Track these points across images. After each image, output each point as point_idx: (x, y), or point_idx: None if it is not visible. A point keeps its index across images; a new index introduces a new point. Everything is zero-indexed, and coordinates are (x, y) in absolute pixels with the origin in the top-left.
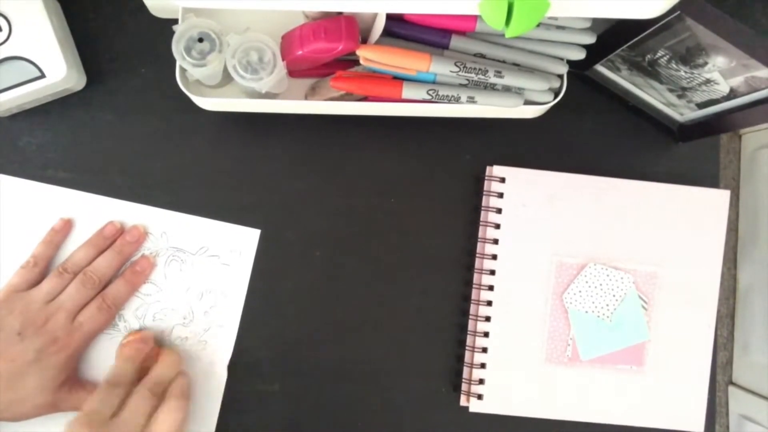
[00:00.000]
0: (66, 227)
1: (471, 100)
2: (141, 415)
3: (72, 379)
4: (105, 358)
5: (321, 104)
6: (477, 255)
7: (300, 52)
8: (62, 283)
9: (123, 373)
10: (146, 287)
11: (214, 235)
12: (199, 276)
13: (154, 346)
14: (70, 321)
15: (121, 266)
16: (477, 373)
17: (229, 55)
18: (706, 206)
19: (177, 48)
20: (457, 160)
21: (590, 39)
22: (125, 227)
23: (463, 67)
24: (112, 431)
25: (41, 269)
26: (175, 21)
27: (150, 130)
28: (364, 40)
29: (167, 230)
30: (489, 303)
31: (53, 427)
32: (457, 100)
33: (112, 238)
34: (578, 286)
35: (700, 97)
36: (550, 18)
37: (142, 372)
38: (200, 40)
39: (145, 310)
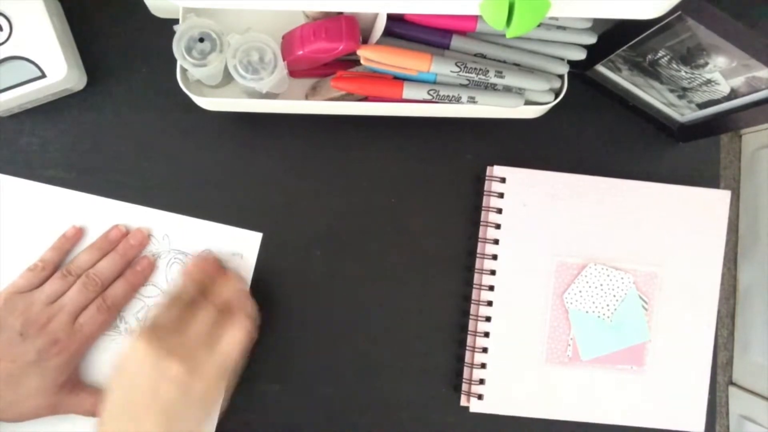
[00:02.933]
0: (77, 235)
1: (472, 100)
2: (204, 332)
3: (73, 381)
4: (106, 360)
5: (321, 104)
6: (477, 255)
7: (300, 52)
8: (65, 285)
9: (185, 289)
10: (148, 289)
11: (216, 238)
12: None
13: (219, 268)
14: (71, 323)
15: (123, 269)
16: (477, 373)
17: (229, 55)
18: (706, 206)
19: (178, 48)
20: (457, 160)
21: (591, 39)
22: (130, 231)
23: (464, 67)
24: (174, 346)
25: (48, 274)
26: (176, 21)
27: (150, 130)
28: (365, 40)
29: (169, 233)
30: (489, 303)
31: (54, 428)
32: (457, 100)
33: (117, 242)
34: (578, 286)
35: (700, 97)
36: (550, 18)
37: (205, 293)
38: (201, 39)
39: (147, 312)
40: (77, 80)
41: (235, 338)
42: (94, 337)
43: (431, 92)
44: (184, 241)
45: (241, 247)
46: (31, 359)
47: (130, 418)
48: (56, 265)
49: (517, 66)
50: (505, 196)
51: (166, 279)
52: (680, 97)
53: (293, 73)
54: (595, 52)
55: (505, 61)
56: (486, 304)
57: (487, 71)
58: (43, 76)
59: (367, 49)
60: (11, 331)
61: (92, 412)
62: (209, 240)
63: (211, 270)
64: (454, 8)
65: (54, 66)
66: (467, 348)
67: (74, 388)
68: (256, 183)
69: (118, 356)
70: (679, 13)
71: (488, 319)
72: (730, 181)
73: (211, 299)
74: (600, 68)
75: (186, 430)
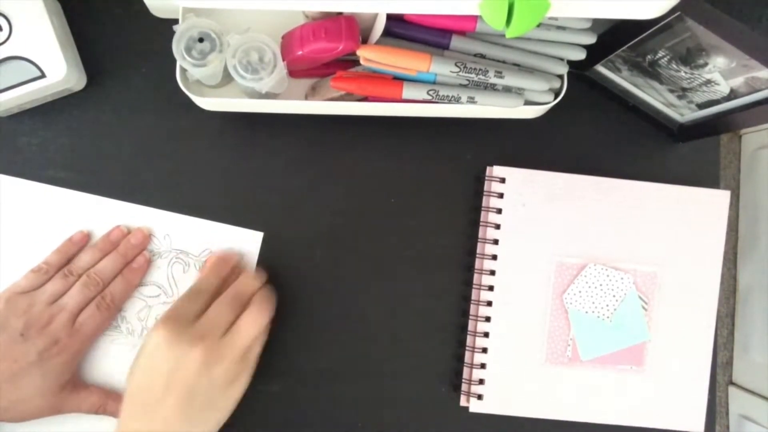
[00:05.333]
0: (83, 240)
1: (471, 100)
2: (223, 319)
3: (74, 381)
4: (107, 361)
5: (321, 104)
6: (477, 255)
7: (300, 52)
8: (66, 285)
9: (206, 282)
10: (150, 289)
11: (217, 238)
12: None
13: (239, 266)
14: (71, 322)
15: (124, 268)
16: (477, 374)
17: (229, 55)
18: (706, 206)
19: (177, 48)
20: (457, 160)
21: (590, 39)
22: (131, 231)
23: (464, 68)
24: (193, 331)
25: (51, 277)
26: (176, 21)
27: (150, 130)
28: (365, 40)
29: (170, 232)
30: (489, 303)
31: (56, 428)
32: (457, 100)
33: (118, 243)
34: (578, 286)
35: (700, 97)
36: (550, 18)
37: (226, 287)
38: (200, 40)
39: (148, 311)
40: (77, 80)
41: (253, 326)
42: (94, 336)
43: (431, 92)
44: (185, 241)
45: (242, 246)
46: (33, 359)
47: (150, 403)
48: (60, 268)
49: (517, 66)
50: (504, 196)
51: (167, 279)
52: (680, 97)
53: (293, 73)
54: (595, 52)
55: (504, 62)
56: (486, 304)
57: (487, 71)
58: (43, 76)
59: (367, 49)
60: (13, 331)
61: (95, 411)
62: (210, 239)
63: (232, 263)
64: (453, 8)
65: (54, 66)
66: (467, 348)
67: (76, 387)
68: (256, 183)
69: (140, 345)
70: (679, 13)
71: (488, 319)
72: (729, 181)
73: (229, 289)
74: (600, 68)
75: (207, 413)
